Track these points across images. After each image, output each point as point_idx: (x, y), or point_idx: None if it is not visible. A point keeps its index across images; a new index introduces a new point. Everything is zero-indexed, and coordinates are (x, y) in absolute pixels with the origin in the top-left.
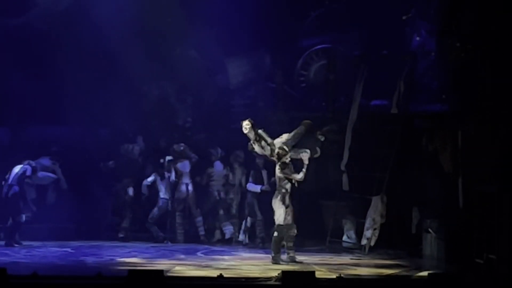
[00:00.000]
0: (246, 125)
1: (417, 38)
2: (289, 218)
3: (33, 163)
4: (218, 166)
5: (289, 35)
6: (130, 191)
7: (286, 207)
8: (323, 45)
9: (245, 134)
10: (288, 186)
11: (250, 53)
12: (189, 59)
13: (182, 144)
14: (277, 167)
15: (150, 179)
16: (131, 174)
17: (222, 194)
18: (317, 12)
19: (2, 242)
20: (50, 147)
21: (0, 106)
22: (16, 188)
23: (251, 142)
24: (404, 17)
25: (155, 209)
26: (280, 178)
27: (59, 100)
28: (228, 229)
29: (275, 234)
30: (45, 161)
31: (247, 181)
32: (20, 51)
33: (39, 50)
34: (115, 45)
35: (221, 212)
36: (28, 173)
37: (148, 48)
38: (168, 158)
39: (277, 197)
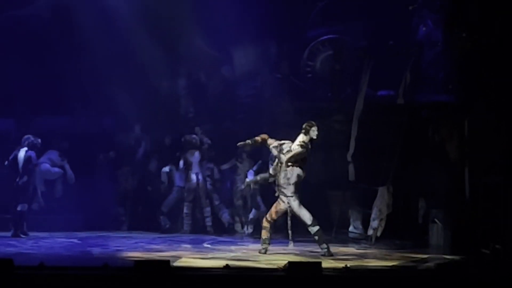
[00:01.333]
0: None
1: (423, 29)
2: None
3: (31, 139)
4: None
5: (295, 26)
6: (130, 179)
7: None
8: (329, 36)
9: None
10: None
11: (256, 43)
12: (195, 49)
13: (195, 136)
14: (300, 171)
15: (167, 167)
16: (130, 163)
17: (208, 185)
18: (324, 2)
19: (9, 233)
20: (60, 141)
21: (5, 97)
22: (25, 178)
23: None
24: (410, 8)
25: (170, 197)
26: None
27: (65, 91)
28: (225, 218)
29: (315, 229)
30: (54, 156)
31: None
32: (25, 41)
33: (45, 40)
34: (120, 35)
35: (216, 202)
36: (34, 161)
37: (154, 38)
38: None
39: (299, 199)
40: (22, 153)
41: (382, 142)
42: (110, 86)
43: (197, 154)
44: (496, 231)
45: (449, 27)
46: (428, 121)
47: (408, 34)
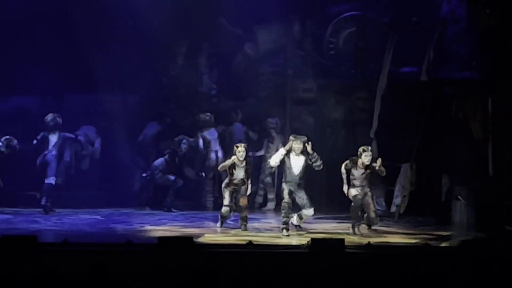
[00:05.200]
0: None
1: (447, 5)
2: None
3: (51, 123)
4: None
5: (319, 2)
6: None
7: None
8: (353, 12)
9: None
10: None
11: (279, 20)
12: (218, 27)
13: (208, 114)
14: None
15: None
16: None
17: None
18: None
19: (32, 210)
20: (99, 119)
21: (29, 75)
22: (55, 153)
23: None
24: None
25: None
26: None
27: (90, 69)
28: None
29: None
30: (90, 132)
31: None
32: (50, 19)
33: (69, 17)
34: (143, 14)
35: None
36: (69, 135)
37: (177, 16)
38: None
39: None
40: (53, 137)
41: (405, 119)
42: (132, 65)
43: (213, 130)
44: None
45: (473, 3)
46: (452, 98)
47: (432, 10)
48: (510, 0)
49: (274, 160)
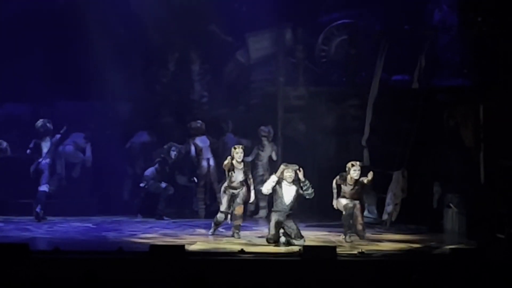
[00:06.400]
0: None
1: (439, 13)
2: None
3: (42, 129)
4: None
5: (310, 10)
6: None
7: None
8: (344, 20)
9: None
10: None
11: (270, 28)
12: (209, 34)
13: (200, 121)
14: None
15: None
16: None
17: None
18: None
19: (27, 217)
20: (87, 124)
21: (21, 82)
22: (48, 160)
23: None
24: None
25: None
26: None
27: (81, 75)
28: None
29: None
30: (79, 139)
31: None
32: (42, 25)
33: (61, 24)
34: (135, 21)
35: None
36: (60, 139)
37: (169, 24)
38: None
39: None
40: (45, 143)
41: (397, 127)
42: (123, 72)
43: (205, 138)
44: (511, 215)
45: (465, 11)
46: (443, 105)
47: (423, 18)
48: (501, 7)
49: (266, 188)
